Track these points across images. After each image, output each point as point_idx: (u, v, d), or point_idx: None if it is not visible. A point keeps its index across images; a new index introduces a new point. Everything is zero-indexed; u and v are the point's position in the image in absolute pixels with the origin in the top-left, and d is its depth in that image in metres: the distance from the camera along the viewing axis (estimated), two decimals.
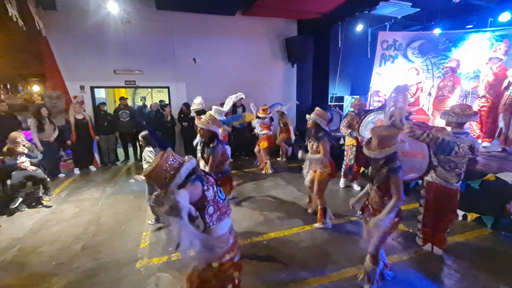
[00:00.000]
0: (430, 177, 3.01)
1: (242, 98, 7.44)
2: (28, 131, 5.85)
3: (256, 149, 6.53)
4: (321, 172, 3.58)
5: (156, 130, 7.09)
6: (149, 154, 3.71)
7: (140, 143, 3.99)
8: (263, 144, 6.25)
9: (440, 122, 5.88)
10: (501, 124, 5.25)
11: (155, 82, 8.01)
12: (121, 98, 7.51)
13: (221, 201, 1.82)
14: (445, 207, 2.98)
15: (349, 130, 4.81)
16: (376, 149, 2.30)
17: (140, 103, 11.69)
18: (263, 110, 6.23)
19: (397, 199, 2.21)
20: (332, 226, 3.73)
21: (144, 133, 3.81)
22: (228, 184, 3.63)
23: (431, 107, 6.58)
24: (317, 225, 3.74)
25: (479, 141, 5.23)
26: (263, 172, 6.36)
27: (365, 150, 2.40)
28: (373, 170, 2.40)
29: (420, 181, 3.54)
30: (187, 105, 7.30)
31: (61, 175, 6.29)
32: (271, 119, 6.50)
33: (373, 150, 2.32)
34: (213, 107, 4.70)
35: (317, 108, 3.62)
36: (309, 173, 3.84)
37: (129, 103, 8.73)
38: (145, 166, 3.71)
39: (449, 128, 2.92)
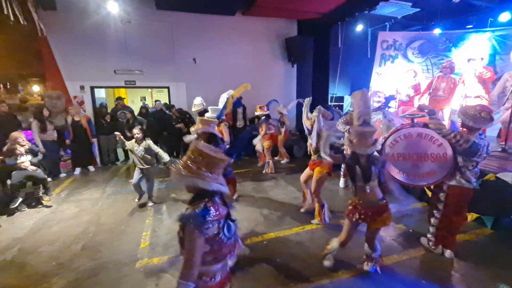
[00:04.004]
0: (454, 180, 2.90)
1: (240, 99, 7.46)
2: (27, 131, 5.85)
3: (257, 147, 6.48)
4: (320, 171, 3.63)
5: (161, 130, 7.14)
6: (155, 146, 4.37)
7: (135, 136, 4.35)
8: (266, 144, 6.24)
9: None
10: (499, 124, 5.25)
11: (155, 82, 8.01)
12: (118, 98, 7.52)
13: (225, 239, 1.43)
14: (462, 208, 2.98)
15: (348, 127, 4.81)
16: (357, 146, 2.47)
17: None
18: (260, 107, 6.29)
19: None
20: (332, 226, 3.73)
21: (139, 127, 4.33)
22: (231, 186, 3.50)
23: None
24: (315, 221, 3.82)
25: None
26: (264, 171, 6.36)
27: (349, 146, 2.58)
28: (363, 170, 2.50)
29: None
30: (180, 111, 7.44)
31: (61, 175, 6.29)
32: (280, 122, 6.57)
33: (357, 146, 2.48)
34: (209, 107, 4.75)
35: (318, 107, 3.69)
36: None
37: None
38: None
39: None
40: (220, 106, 5.06)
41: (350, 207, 2.65)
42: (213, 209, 1.39)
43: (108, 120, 6.94)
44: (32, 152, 4.56)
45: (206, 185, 1.40)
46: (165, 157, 4.47)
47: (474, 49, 6.64)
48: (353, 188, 2.61)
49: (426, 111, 3.00)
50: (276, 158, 7.52)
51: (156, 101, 9.42)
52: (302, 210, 4.21)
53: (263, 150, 6.39)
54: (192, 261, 1.34)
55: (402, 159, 3.27)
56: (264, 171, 6.38)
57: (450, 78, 5.82)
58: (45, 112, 5.89)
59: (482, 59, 5.14)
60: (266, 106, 6.47)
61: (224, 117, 4.62)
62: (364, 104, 2.69)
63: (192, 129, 3.46)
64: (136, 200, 4.68)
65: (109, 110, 7.66)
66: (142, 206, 4.57)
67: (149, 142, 4.39)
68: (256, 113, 6.32)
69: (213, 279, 1.47)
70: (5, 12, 4.37)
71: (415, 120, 3.86)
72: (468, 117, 2.74)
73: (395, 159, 3.30)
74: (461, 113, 2.83)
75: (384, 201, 2.54)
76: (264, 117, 6.23)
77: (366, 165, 2.48)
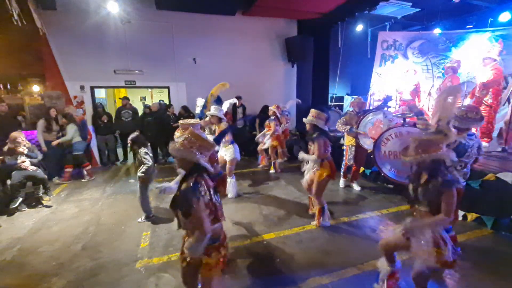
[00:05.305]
0: None
1: (240, 99, 7.47)
2: (27, 131, 5.85)
3: (259, 147, 6.51)
4: (320, 173, 3.56)
5: (159, 130, 7.09)
6: (144, 156, 3.75)
7: (131, 146, 3.92)
8: (273, 144, 6.23)
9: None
10: (501, 123, 5.25)
11: (155, 82, 8.01)
12: (124, 98, 7.50)
13: (218, 204, 1.87)
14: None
15: (348, 127, 4.80)
16: (412, 154, 1.94)
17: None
18: (277, 107, 6.25)
19: (444, 216, 1.86)
20: (332, 226, 3.74)
21: (133, 135, 3.84)
22: (221, 186, 3.38)
23: (431, 107, 6.58)
24: (314, 222, 3.77)
25: None
26: (271, 172, 6.38)
27: (402, 157, 2.07)
28: (415, 188, 2.03)
29: None
30: (185, 108, 7.34)
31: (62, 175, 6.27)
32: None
33: (409, 155, 1.97)
34: (212, 106, 4.73)
35: (312, 110, 3.61)
36: (309, 173, 3.80)
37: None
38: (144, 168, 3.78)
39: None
40: (224, 106, 5.05)
41: None
42: (202, 181, 1.78)
43: (105, 121, 6.90)
44: (29, 157, 4.53)
45: (194, 158, 1.79)
46: (142, 169, 3.79)
47: (474, 48, 6.63)
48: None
49: (414, 111, 3.00)
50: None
51: (160, 100, 9.38)
52: (310, 212, 4.08)
53: (269, 150, 6.38)
54: (202, 217, 1.70)
55: (393, 157, 3.37)
56: (270, 171, 6.39)
57: (455, 77, 5.81)
58: (52, 112, 5.89)
59: (492, 59, 5.08)
60: (283, 111, 6.47)
61: (205, 117, 4.60)
62: (451, 103, 2.13)
63: (176, 134, 3.47)
64: (140, 219, 4.02)
65: (108, 110, 7.65)
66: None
67: (141, 151, 3.79)
68: (271, 108, 6.23)
69: (217, 240, 1.85)
70: (10, 12, 4.36)
71: (407, 120, 3.91)
72: (454, 118, 2.72)
73: (386, 157, 3.39)
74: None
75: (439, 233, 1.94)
76: (273, 116, 6.18)
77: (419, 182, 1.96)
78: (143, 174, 3.76)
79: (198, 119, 4.38)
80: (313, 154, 3.52)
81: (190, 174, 1.80)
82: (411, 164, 2.03)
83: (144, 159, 3.73)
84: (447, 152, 1.90)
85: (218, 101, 4.72)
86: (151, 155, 3.86)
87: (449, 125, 2.14)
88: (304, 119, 3.65)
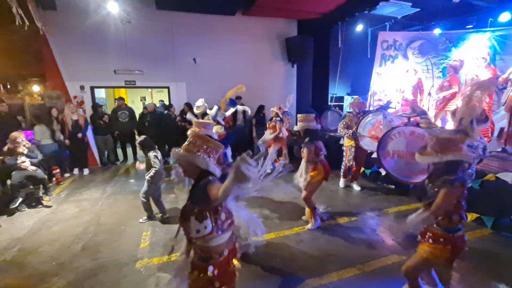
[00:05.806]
0: None
1: (240, 99, 7.46)
2: (27, 131, 5.85)
3: (264, 138, 6.33)
4: (314, 176, 3.55)
5: (159, 130, 7.05)
6: (153, 160, 3.74)
7: (141, 149, 3.92)
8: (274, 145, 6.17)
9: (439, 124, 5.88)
10: (502, 123, 5.25)
11: (155, 82, 8.02)
12: (120, 98, 7.48)
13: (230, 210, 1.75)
14: None
15: (350, 131, 4.79)
16: (430, 153, 1.80)
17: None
18: (279, 108, 6.15)
19: (431, 213, 1.76)
20: (332, 226, 3.74)
21: (141, 138, 3.84)
22: None
23: (431, 107, 6.58)
24: (309, 226, 3.72)
25: None
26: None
27: (417, 157, 1.91)
28: (428, 184, 1.92)
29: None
30: (189, 106, 7.30)
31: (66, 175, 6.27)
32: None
33: (426, 154, 1.82)
34: (214, 107, 4.75)
35: (298, 116, 3.61)
36: (302, 178, 3.72)
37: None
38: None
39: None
40: (228, 112, 5.06)
41: None
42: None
43: (107, 121, 6.88)
44: (29, 157, 4.54)
45: (202, 162, 1.58)
46: (151, 173, 3.77)
47: (474, 48, 6.63)
48: None
49: (417, 111, 2.98)
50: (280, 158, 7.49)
51: (160, 101, 9.36)
52: (303, 217, 4.03)
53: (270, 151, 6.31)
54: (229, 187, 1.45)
55: (397, 156, 3.37)
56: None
57: (455, 77, 5.81)
58: (54, 112, 5.89)
59: (484, 59, 5.12)
60: (285, 111, 6.42)
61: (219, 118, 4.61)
62: (478, 100, 1.99)
63: (188, 132, 3.49)
64: (142, 219, 4.04)
65: (108, 111, 7.62)
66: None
67: (150, 154, 3.77)
68: (273, 109, 6.15)
69: (221, 256, 1.63)
70: (14, 13, 4.36)
71: (411, 119, 3.89)
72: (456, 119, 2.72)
73: (390, 156, 3.38)
74: (452, 114, 2.84)
75: (442, 231, 1.85)
76: (279, 118, 6.09)
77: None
78: (151, 178, 3.76)
79: (213, 121, 4.41)
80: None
81: (200, 180, 1.61)
82: (428, 165, 1.89)
83: (153, 163, 3.73)
84: (467, 153, 1.75)
85: (232, 102, 4.73)
86: (160, 158, 3.86)
87: (473, 124, 1.98)
88: (295, 128, 3.63)
